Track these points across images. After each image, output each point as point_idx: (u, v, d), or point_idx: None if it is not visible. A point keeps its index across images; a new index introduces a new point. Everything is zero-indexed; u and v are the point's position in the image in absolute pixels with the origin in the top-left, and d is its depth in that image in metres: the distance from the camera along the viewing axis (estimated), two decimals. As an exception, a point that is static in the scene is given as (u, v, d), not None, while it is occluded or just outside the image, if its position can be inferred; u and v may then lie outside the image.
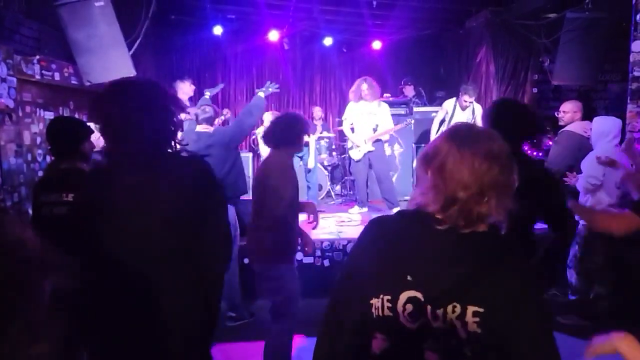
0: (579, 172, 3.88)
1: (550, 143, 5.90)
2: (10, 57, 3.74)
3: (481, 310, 1.05)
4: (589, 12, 4.89)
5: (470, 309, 1.06)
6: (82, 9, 4.32)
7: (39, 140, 4.24)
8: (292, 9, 6.73)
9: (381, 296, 1.14)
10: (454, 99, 6.09)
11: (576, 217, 3.79)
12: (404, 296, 1.12)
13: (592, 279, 3.71)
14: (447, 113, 6.07)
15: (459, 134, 1.15)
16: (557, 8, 5.57)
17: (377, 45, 8.52)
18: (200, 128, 4.08)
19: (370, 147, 5.77)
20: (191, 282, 1.46)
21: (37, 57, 4.15)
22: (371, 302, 1.15)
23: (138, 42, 5.25)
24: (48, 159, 4.15)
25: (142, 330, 1.43)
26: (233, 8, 7.31)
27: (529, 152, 6.49)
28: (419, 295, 1.10)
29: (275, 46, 8.40)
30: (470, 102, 5.88)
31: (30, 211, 2.74)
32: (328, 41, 8.44)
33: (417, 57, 8.92)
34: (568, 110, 4.48)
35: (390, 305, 1.13)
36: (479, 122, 6.05)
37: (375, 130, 5.79)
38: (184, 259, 1.45)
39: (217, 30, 7.76)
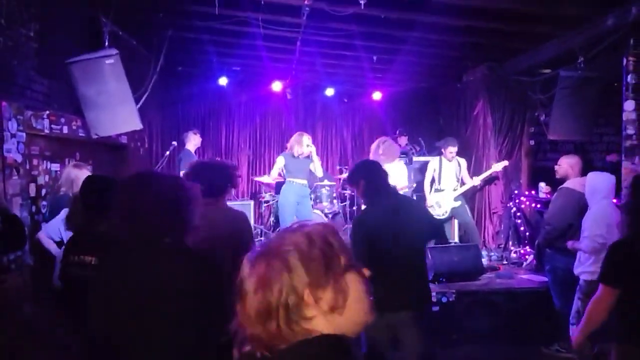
0: (578, 229, 3.90)
1: (548, 196, 5.98)
2: (21, 113, 3.86)
3: None
4: (582, 72, 5.04)
5: None
6: (93, 66, 4.49)
7: (44, 192, 4.32)
8: (295, 62, 6.96)
9: None
10: (437, 157, 6.53)
11: (575, 272, 3.84)
12: None
13: (595, 335, 3.68)
14: (434, 170, 6.38)
15: None
16: (551, 66, 5.76)
17: (377, 96, 8.74)
18: None
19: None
20: None
21: (47, 112, 4.28)
22: None
23: (146, 95, 5.43)
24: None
25: None
26: (238, 61, 7.55)
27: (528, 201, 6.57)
28: None
29: (279, 96, 8.61)
30: (455, 152, 6.33)
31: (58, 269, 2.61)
32: (330, 92, 8.66)
33: (416, 108, 9.12)
34: (563, 164, 4.56)
35: None
36: (465, 175, 6.35)
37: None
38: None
39: (223, 81, 7.99)
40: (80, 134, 4.81)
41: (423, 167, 7.01)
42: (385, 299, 2.73)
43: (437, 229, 3.22)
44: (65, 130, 4.59)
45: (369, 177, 2.99)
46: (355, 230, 3.04)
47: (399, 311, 2.80)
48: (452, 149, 6.27)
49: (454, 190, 6.35)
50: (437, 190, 6.34)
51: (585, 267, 3.72)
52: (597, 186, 3.76)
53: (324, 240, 1.00)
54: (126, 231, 1.52)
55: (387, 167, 5.79)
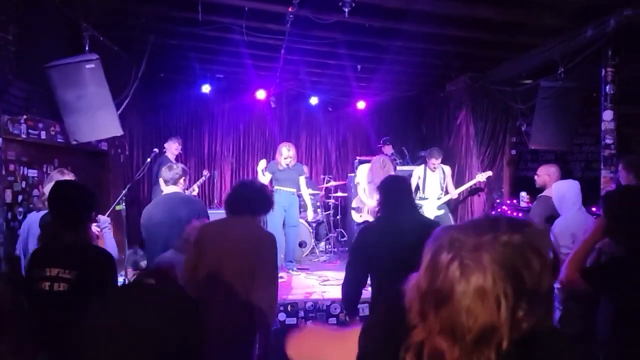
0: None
1: (529, 204, 6.03)
2: (-3, 118, 3.78)
3: None
4: (562, 82, 5.12)
5: None
6: (72, 70, 4.41)
7: (20, 198, 4.22)
8: (279, 70, 6.95)
9: None
10: (422, 165, 6.55)
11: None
12: None
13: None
14: (419, 178, 6.42)
15: None
16: (532, 76, 5.84)
17: (361, 105, 8.78)
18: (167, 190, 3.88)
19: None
20: None
21: (25, 116, 4.19)
22: None
23: (127, 101, 5.36)
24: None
25: None
26: (221, 68, 7.52)
27: (508, 210, 6.61)
28: None
29: (263, 104, 8.60)
30: (438, 164, 6.34)
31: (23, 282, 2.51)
32: (314, 100, 8.68)
33: (400, 117, 9.19)
34: (541, 174, 4.61)
35: None
36: (450, 183, 6.40)
37: None
38: None
39: (205, 88, 7.95)
40: (59, 140, 4.72)
41: (407, 177, 7.04)
42: None
43: None
44: (43, 135, 4.49)
45: (387, 190, 2.90)
46: (356, 239, 3.02)
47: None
48: (435, 161, 6.30)
49: (438, 199, 6.38)
50: (420, 199, 6.37)
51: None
52: (564, 194, 3.78)
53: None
54: None
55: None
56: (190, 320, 1.42)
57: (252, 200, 2.83)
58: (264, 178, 6.05)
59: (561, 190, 3.81)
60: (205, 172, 7.15)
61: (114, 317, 1.37)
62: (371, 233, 2.93)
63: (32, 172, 4.47)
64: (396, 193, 2.86)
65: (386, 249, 2.71)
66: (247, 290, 2.59)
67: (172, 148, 6.63)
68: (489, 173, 6.60)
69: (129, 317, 1.36)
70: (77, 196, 2.39)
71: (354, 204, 6.32)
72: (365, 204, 5.99)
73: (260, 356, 2.66)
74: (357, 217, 6.20)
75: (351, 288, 2.91)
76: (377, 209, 3.00)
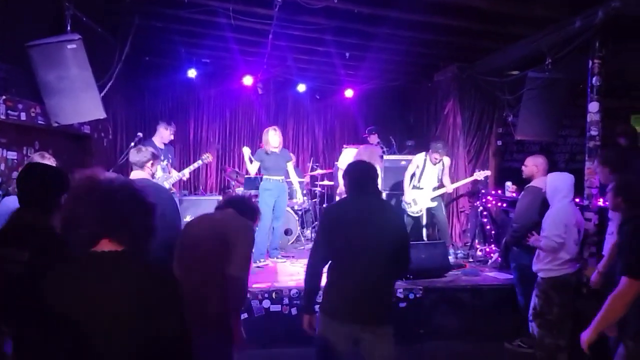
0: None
1: (514, 195, 6.07)
2: (-25, 98, 3.68)
3: None
4: (549, 73, 5.13)
5: None
6: (53, 50, 4.31)
7: (-1, 180, 4.13)
8: (266, 56, 6.87)
9: None
10: (424, 153, 6.22)
11: (534, 269, 3.89)
12: None
13: (552, 330, 3.75)
14: (417, 167, 6.19)
15: None
16: (520, 67, 5.85)
17: (349, 93, 8.74)
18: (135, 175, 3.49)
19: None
20: None
21: (3, 97, 4.09)
22: None
23: (110, 84, 5.25)
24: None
25: None
26: (207, 52, 7.41)
27: (493, 201, 6.65)
28: None
29: (249, 90, 8.50)
30: (440, 159, 6.08)
31: None
32: (301, 87, 8.61)
33: (388, 106, 9.17)
34: (528, 165, 4.63)
35: None
36: (446, 174, 6.27)
37: None
38: None
39: (191, 73, 7.83)
40: (40, 122, 4.62)
41: (393, 166, 7.00)
42: (343, 307, 2.63)
43: (405, 258, 2.80)
44: (23, 116, 4.39)
45: (352, 174, 2.86)
46: (321, 219, 2.97)
47: (357, 324, 2.64)
48: (438, 157, 6.02)
49: (433, 190, 6.27)
50: (415, 187, 6.24)
51: (543, 265, 3.79)
52: (557, 186, 3.83)
53: None
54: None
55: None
56: (159, 293, 1.39)
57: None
58: (252, 167, 5.98)
59: (555, 182, 3.85)
60: (206, 156, 6.37)
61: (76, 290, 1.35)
62: (330, 212, 2.93)
63: (12, 154, 4.38)
64: (360, 179, 2.82)
65: (344, 230, 2.68)
66: (221, 274, 2.59)
67: (165, 134, 6.02)
68: (488, 173, 6.49)
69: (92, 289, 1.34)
70: (45, 179, 2.29)
71: (338, 191, 6.26)
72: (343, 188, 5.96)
73: (237, 338, 2.67)
74: None
75: (312, 270, 2.83)
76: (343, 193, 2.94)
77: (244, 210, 2.88)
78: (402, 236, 2.77)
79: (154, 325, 1.33)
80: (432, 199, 6.19)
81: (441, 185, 6.26)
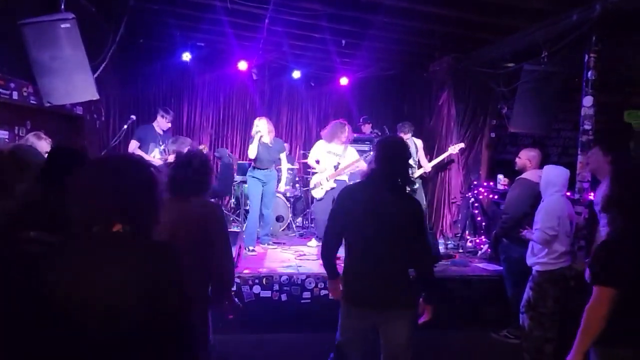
0: (533, 218, 3.99)
1: (506, 187, 6.11)
2: (-34, 75, 3.63)
3: None
4: (545, 66, 5.13)
5: None
6: (47, 29, 4.25)
7: (-10, 160, 4.08)
8: (262, 41, 6.81)
9: None
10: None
11: (528, 263, 3.93)
12: None
13: (544, 323, 3.79)
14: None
15: None
16: (515, 59, 5.84)
17: (344, 81, 8.71)
18: None
19: (332, 184, 5.85)
20: None
21: (-5, 75, 4.04)
22: None
23: (103, 65, 5.19)
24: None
25: None
26: (202, 36, 7.33)
27: (485, 192, 6.69)
28: None
29: (244, 75, 8.45)
30: (408, 138, 6.35)
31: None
32: (296, 74, 8.56)
33: (382, 95, 9.15)
34: (522, 157, 4.66)
35: None
36: (422, 156, 6.47)
37: (336, 168, 5.90)
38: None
39: (186, 56, 7.76)
40: (32, 101, 4.57)
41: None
42: (360, 292, 2.65)
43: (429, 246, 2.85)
44: (15, 96, 4.34)
45: (386, 149, 2.71)
46: (337, 201, 2.81)
47: (374, 309, 2.65)
48: (404, 136, 6.28)
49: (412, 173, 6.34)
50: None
51: (539, 259, 3.81)
52: (552, 179, 3.85)
53: None
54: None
55: (339, 148, 5.90)
56: (164, 269, 1.40)
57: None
58: (253, 147, 5.83)
59: (550, 175, 3.87)
60: (202, 148, 6.58)
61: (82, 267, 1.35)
62: (347, 195, 2.78)
63: (3, 134, 4.34)
64: (393, 158, 2.68)
65: (360, 215, 2.64)
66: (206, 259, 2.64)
67: (162, 122, 6.17)
68: (461, 145, 6.63)
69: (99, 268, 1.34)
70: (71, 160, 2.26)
71: (311, 184, 6.18)
72: (318, 171, 5.99)
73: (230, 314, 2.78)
74: (318, 193, 6.00)
75: (326, 248, 2.82)
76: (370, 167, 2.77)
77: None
78: (418, 223, 2.74)
79: (156, 300, 1.34)
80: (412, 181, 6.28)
81: (419, 167, 6.41)
